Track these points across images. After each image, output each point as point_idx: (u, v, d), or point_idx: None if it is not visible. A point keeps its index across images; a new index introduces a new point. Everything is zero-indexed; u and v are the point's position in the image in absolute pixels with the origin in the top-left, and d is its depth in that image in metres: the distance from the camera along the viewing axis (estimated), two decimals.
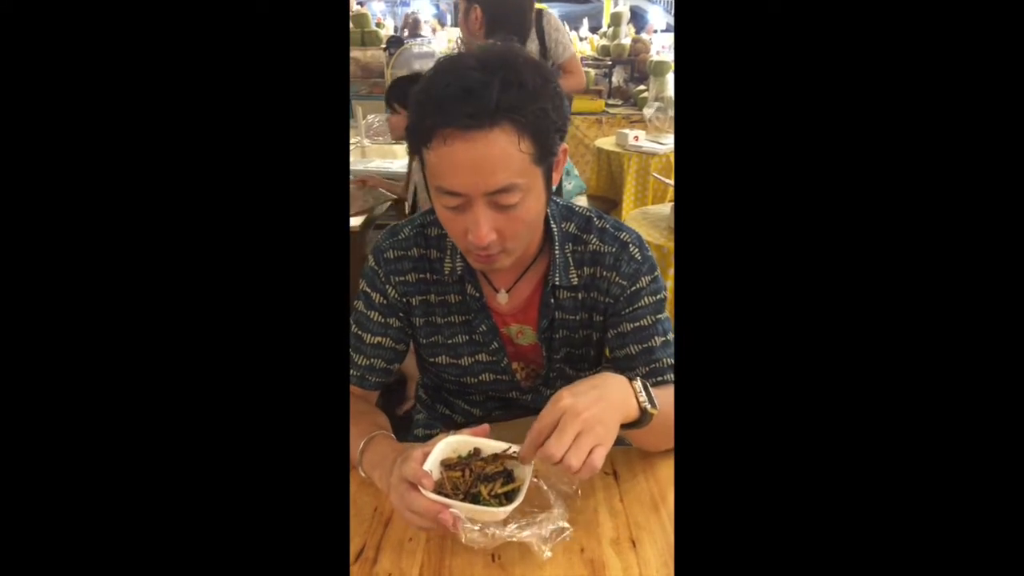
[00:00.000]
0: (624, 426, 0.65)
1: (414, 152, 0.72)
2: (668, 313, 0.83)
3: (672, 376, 0.79)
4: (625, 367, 0.81)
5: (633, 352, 0.81)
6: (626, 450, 0.81)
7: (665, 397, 0.69)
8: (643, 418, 0.65)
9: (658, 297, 0.82)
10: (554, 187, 0.75)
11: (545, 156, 0.68)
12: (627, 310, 0.81)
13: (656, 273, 0.82)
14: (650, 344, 0.80)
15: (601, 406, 0.61)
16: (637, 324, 0.81)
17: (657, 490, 0.74)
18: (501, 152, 0.64)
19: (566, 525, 0.62)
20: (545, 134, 0.66)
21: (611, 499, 0.72)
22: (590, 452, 0.58)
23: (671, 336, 0.81)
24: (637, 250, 0.82)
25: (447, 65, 0.66)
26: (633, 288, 0.81)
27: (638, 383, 0.66)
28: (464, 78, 0.63)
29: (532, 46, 2.18)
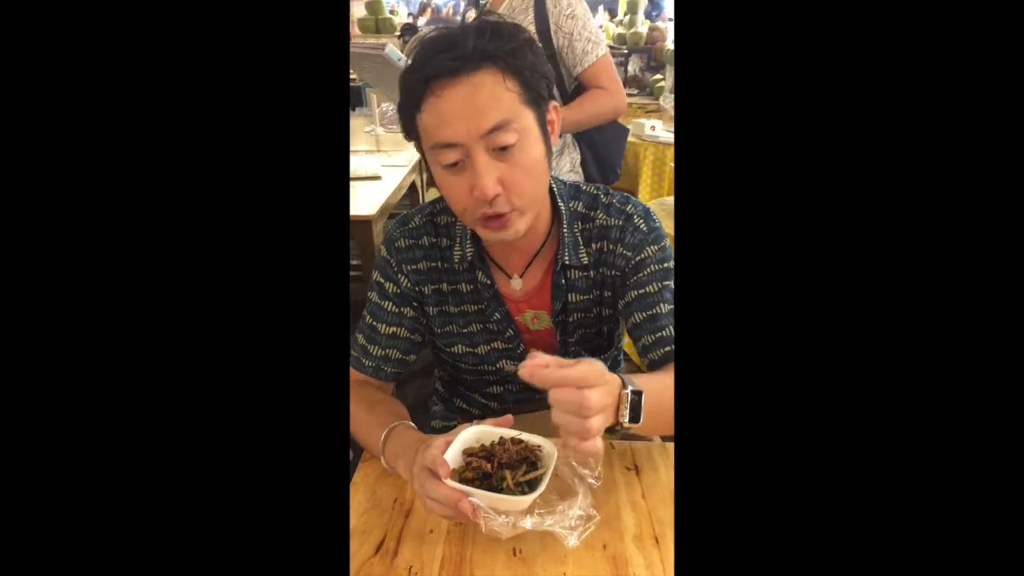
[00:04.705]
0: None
1: (408, 131, 0.73)
2: None
3: None
4: (634, 338, 0.80)
5: (638, 320, 0.78)
6: (647, 446, 0.80)
7: (670, 379, 0.66)
8: (614, 429, 0.60)
9: (665, 266, 0.79)
10: (554, 148, 0.75)
11: (534, 98, 0.70)
12: (632, 279, 0.80)
13: (663, 243, 0.81)
14: (655, 311, 0.77)
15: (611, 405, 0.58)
16: (642, 291, 0.79)
17: None
18: (489, 91, 0.67)
19: (593, 513, 0.61)
20: (528, 74, 0.69)
21: (633, 495, 0.71)
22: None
23: None
24: (642, 221, 0.81)
25: (430, 37, 0.71)
26: (638, 258, 0.80)
27: (628, 393, 0.59)
28: (444, 37, 0.69)
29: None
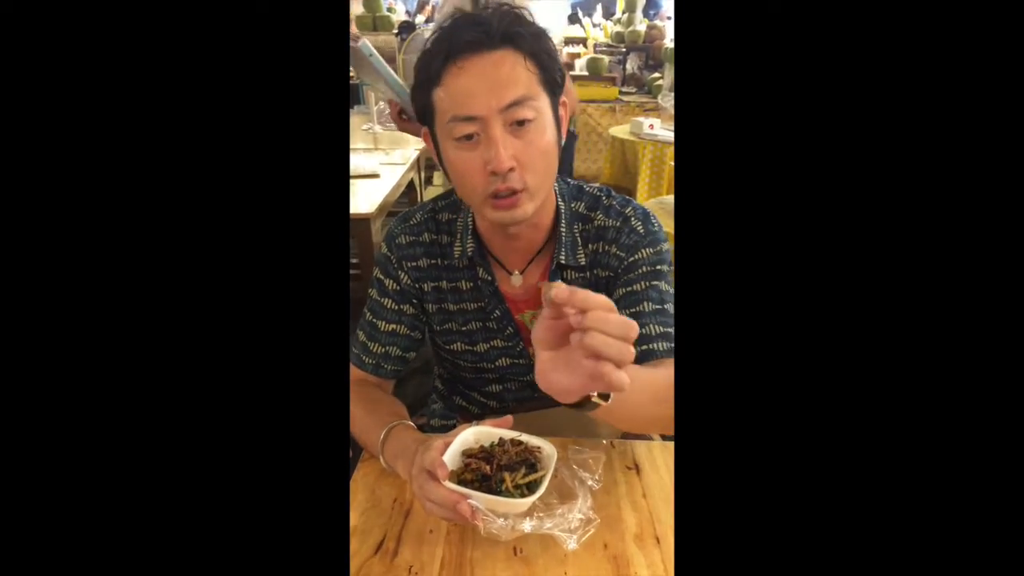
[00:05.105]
0: (572, 405, 0.56)
1: (422, 110, 0.73)
2: (670, 287, 0.78)
3: (663, 346, 0.74)
4: None
5: None
6: (649, 445, 0.80)
7: (649, 374, 0.64)
8: (585, 404, 0.55)
9: (657, 268, 0.79)
10: (563, 139, 0.76)
11: (550, 83, 0.72)
12: (623, 279, 0.80)
13: (659, 247, 0.80)
14: (638, 309, 0.76)
15: None
16: (629, 289, 0.78)
17: None
18: (510, 68, 0.69)
19: (593, 515, 0.61)
20: (547, 59, 0.71)
21: (634, 494, 0.71)
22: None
23: (668, 307, 0.77)
24: (640, 224, 0.81)
25: (454, 20, 0.72)
26: (631, 259, 0.79)
27: None
28: (467, 18, 0.71)
29: None
